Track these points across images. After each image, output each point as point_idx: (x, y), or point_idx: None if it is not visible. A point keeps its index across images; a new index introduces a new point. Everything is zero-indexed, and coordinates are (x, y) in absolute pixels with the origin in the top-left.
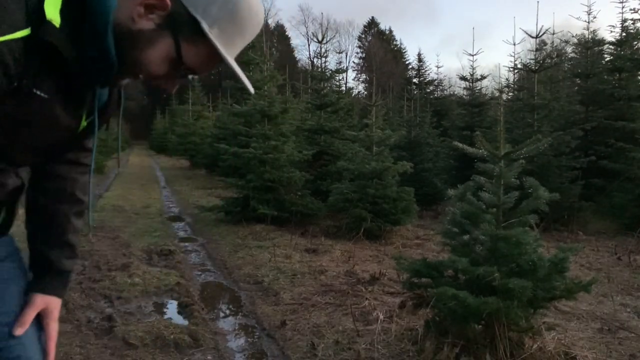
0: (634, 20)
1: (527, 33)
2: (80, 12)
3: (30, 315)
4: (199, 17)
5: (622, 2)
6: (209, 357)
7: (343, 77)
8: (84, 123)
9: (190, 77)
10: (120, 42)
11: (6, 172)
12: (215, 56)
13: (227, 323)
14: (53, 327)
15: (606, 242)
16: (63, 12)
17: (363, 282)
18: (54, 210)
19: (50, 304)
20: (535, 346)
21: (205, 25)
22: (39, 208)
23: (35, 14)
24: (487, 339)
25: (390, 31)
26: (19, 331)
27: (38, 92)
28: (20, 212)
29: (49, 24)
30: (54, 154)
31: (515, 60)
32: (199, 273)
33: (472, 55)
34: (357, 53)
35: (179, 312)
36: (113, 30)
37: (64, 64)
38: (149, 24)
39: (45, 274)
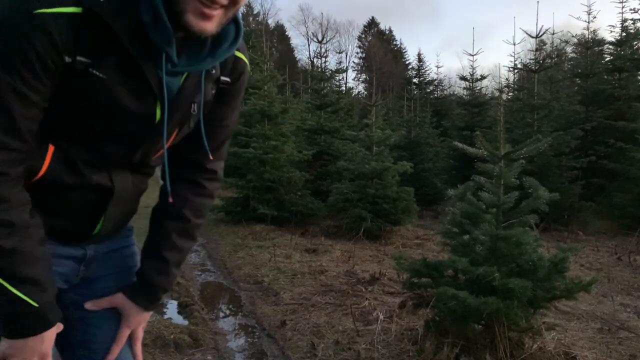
0: (634, 20)
1: (527, 33)
2: None
3: (102, 302)
4: None
5: (622, 2)
6: (209, 357)
7: (343, 77)
8: (158, 116)
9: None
10: None
11: (96, 170)
12: None
13: (227, 323)
14: (124, 334)
15: (606, 242)
16: None
17: (363, 282)
18: (159, 224)
19: (126, 306)
20: (535, 346)
21: None
22: (151, 221)
23: None
24: (487, 339)
25: (390, 31)
26: (88, 305)
27: (95, 72)
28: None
29: None
30: (140, 149)
31: (515, 60)
32: (199, 273)
33: (472, 55)
34: (357, 53)
35: (179, 312)
36: None
37: (117, 40)
38: None
39: (136, 280)
